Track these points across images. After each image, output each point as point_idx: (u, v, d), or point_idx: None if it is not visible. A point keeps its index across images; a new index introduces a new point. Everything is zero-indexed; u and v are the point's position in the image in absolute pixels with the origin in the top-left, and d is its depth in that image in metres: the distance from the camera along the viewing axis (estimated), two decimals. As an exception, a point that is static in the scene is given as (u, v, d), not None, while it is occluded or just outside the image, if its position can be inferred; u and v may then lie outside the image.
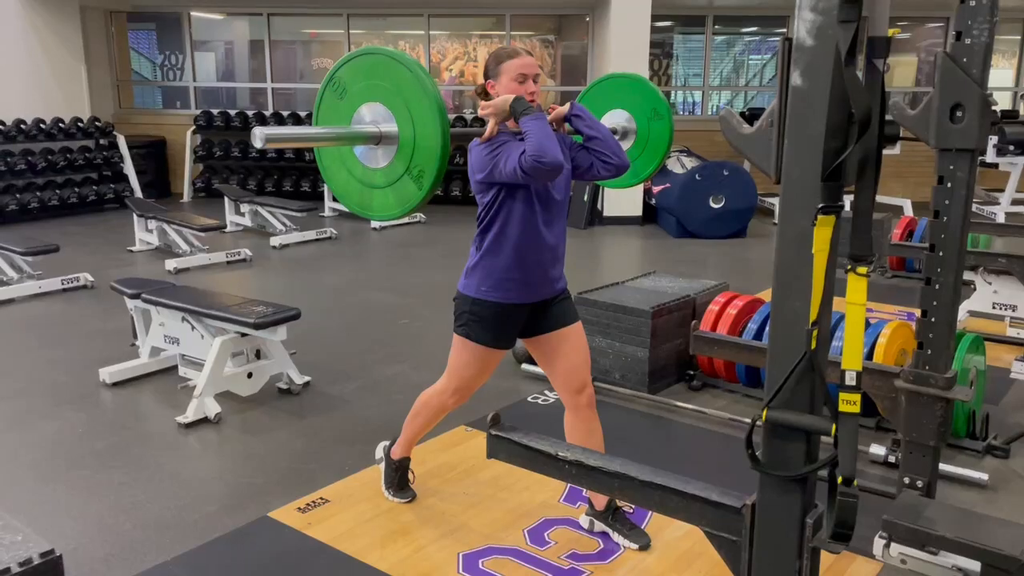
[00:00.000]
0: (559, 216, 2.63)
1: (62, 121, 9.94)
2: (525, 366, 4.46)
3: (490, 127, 2.43)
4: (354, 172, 2.22)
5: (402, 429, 3.00)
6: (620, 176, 2.66)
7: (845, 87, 1.52)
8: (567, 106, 2.61)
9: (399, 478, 3.07)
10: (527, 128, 2.33)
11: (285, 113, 11.00)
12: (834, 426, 1.63)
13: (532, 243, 2.56)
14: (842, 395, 1.61)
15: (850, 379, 1.60)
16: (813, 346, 1.63)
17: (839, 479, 1.63)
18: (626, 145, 3.06)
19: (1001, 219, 8.56)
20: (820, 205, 1.57)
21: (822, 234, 1.57)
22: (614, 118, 3.10)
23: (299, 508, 3.04)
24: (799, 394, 1.66)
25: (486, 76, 2.59)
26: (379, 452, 3.13)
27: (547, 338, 2.71)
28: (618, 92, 3.11)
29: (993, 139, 8.51)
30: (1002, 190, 9.13)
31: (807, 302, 1.62)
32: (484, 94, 2.60)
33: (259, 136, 1.97)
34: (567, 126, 2.64)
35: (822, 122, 1.55)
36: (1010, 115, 10.61)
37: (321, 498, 3.11)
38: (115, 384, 4.32)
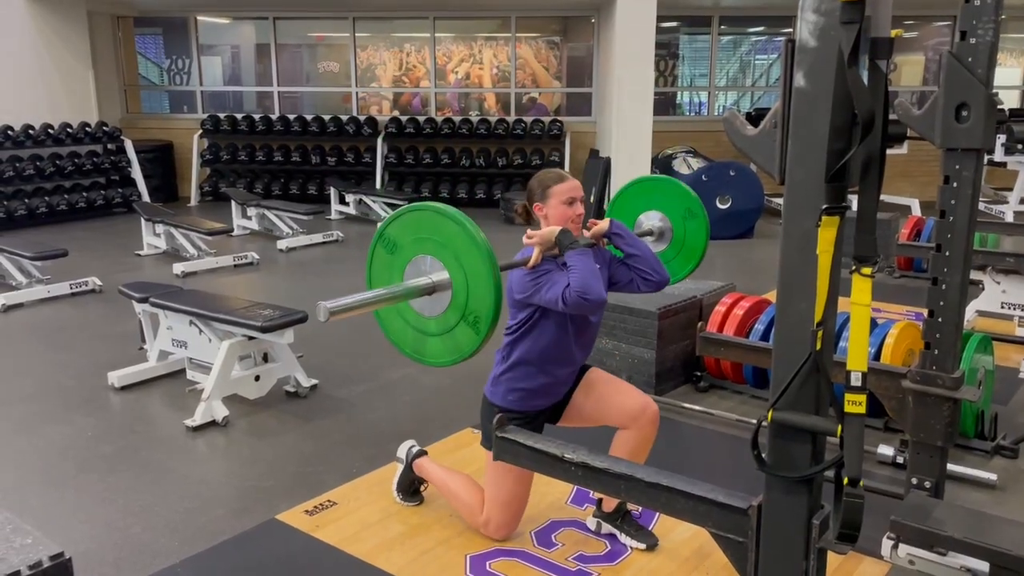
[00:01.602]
0: (591, 338, 2.70)
1: (70, 126, 9.99)
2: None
3: (535, 256, 2.46)
4: (408, 319, 2.29)
5: (443, 477, 2.96)
6: (661, 289, 2.71)
7: (848, 88, 1.52)
8: (606, 223, 2.66)
9: (412, 487, 3.09)
10: (572, 263, 2.39)
11: (292, 116, 11.03)
12: (840, 427, 1.63)
13: (560, 363, 2.63)
14: (848, 396, 1.61)
15: (856, 380, 1.60)
16: (818, 347, 1.63)
17: (845, 480, 1.63)
18: (662, 246, 3.10)
19: (1010, 218, 8.52)
20: (824, 206, 1.57)
21: (826, 235, 1.57)
22: (649, 219, 3.13)
23: (307, 511, 3.05)
24: (804, 395, 1.66)
25: (531, 199, 2.64)
26: (401, 452, 3.12)
27: (574, 403, 2.75)
28: (651, 194, 3.15)
29: (1001, 138, 8.48)
30: (1010, 189, 9.09)
31: (812, 303, 1.62)
32: (527, 215, 2.67)
33: (322, 311, 2.05)
34: (605, 241, 2.69)
35: (826, 123, 1.56)
36: (1018, 113, 10.56)
37: (329, 500, 3.12)
38: (123, 388, 4.34)
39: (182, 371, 4.40)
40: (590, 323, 2.65)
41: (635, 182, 3.23)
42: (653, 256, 2.67)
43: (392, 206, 9.16)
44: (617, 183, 8.46)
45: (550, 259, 2.51)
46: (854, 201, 1.59)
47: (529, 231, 2.53)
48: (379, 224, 2.33)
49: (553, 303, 2.42)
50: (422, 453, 3.07)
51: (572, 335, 2.59)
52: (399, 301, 2.22)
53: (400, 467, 3.10)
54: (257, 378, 4.06)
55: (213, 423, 3.85)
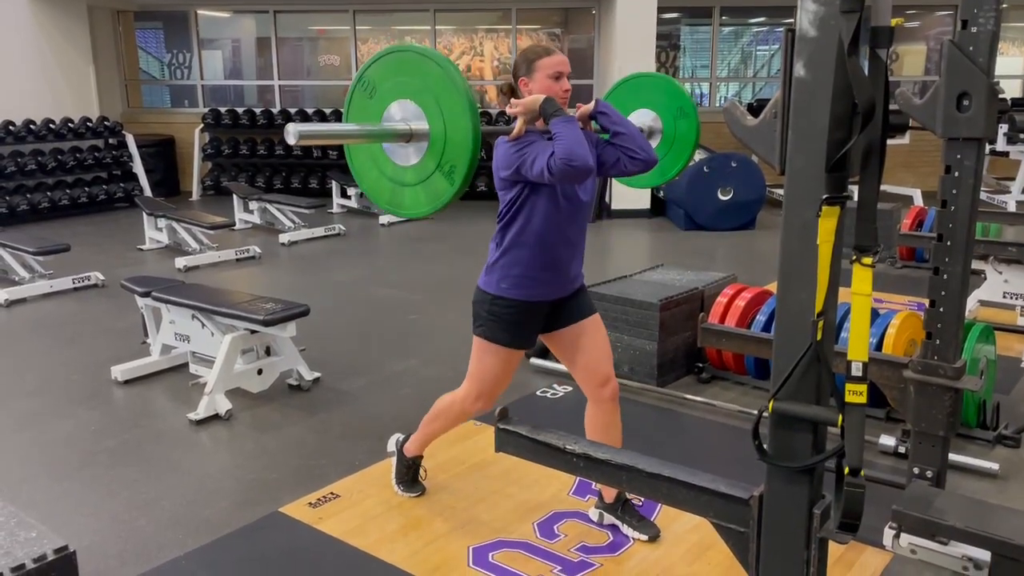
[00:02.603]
0: (583, 215, 2.61)
1: (71, 121, 9.99)
2: (534, 360, 4.47)
3: (519, 126, 2.40)
4: (384, 170, 2.22)
5: (418, 428, 3.00)
6: (647, 172, 2.63)
7: (848, 78, 1.52)
8: (592, 104, 2.58)
9: (411, 474, 3.09)
10: (557, 130, 2.30)
11: (292, 110, 11.03)
12: (841, 417, 1.63)
13: (554, 242, 2.55)
14: (848, 386, 1.61)
15: (856, 370, 1.60)
16: (819, 337, 1.63)
17: (846, 469, 1.64)
18: (653, 143, 3.02)
19: (1012, 208, 8.50)
20: (824, 196, 1.57)
21: (827, 225, 1.57)
22: (640, 117, 3.07)
23: (310, 503, 3.06)
24: (805, 385, 1.66)
25: (516, 74, 2.55)
26: (391, 445, 3.14)
27: (566, 332, 2.70)
28: (644, 91, 3.08)
29: (1003, 128, 8.45)
30: (1013, 179, 9.07)
31: (812, 293, 1.61)
32: (512, 91, 2.57)
33: (292, 133, 1.97)
34: (593, 124, 2.61)
35: (826, 113, 1.55)
36: (1020, 103, 10.53)
37: (332, 493, 3.13)
38: (127, 382, 4.35)
39: (185, 365, 4.41)
40: (581, 201, 2.56)
41: (628, 78, 3.14)
42: (640, 135, 2.57)
43: (394, 199, 9.15)
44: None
45: (536, 132, 2.43)
46: (855, 192, 1.59)
47: (512, 100, 2.45)
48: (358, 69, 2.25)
49: (539, 175, 2.33)
50: (409, 437, 3.09)
51: (564, 212, 2.51)
52: (375, 140, 2.15)
53: (394, 459, 3.11)
54: (260, 372, 4.07)
55: (216, 417, 3.86)
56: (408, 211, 2.23)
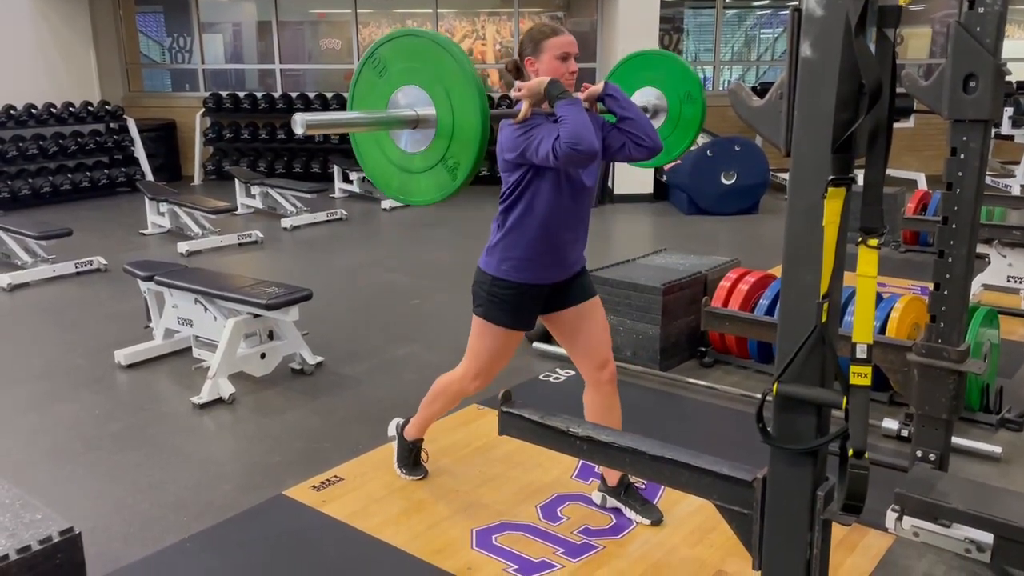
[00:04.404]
0: (586, 200, 2.60)
1: (72, 105, 9.96)
2: (537, 344, 4.47)
3: (524, 109, 2.37)
4: (390, 156, 2.17)
5: (418, 410, 3.01)
6: (652, 157, 2.62)
7: (855, 58, 1.50)
8: (600, 85, 2.55)
9: (412, 457, 3.10)
10: (562, 113, 2.28)
11: (294, 94, 10.98)
12: (845, 399, 1.63)
13: (556, 225, 2.53)
14: (853, 367, 1.60)
15: (861, 352, 1.60)
16: (824, 319, 1.62)
17: (850, 451, 1.64)
18: (657, 123, 2.97)
19: (1017, 192, 8.47)
20: (830, 177, 1.56)
21: (832, 206, 1.56)
22: (644, 96, 3.01)
23: (314, 486, 3.07)
24: (810, 367, 1.66)
25: (523, 53, 2.51)
26: (392, 430, 3.15)
27: (565, 314, 2.69)
28: (650, 69, 3.01)
29: (1009, 111, 8.40)
30: (1018, 163, 9.03)
31: (818, 275, 1.61)
32: (517, 71, 2.53)
33: (299, 122, 1.93)
34: (599, 105, 2.57)
35: (832, 93, 1.54)
36: (1026, 86, 10.47)
37: (335, 476, 3.14)
38: (130, 366, 4.36)
39: (188, 349, 4.42)
40: (585, 185, 2.54)
41: (637, 54, 3.08)
42: (647, 121, 2.55)
43: (396, 184, 9.13)
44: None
45: (541, 115, 2.40)
46: (861, 177, 1.57)
47: (517, 83, 2.42)
48: (369, 46, 2.18)
49: (544, 159, 2.31)
50: (408, 421, 3.09)
51: (567, 197, 2.50)
52: (381, 128, 2.11)
53: (395, 443, 3.12)
54: (263, 356, 4.07)
55: (220, 400, 3.87)
56: (418, 198, 2.19)
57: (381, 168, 2.23)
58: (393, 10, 11.88)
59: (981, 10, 2.44)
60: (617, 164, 8.60)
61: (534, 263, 2.56)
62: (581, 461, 3.11)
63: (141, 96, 11.97)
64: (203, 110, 10.98)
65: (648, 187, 9.32)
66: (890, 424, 3.42)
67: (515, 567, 2.56)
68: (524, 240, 2.53)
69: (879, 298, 3.74)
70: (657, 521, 2.78)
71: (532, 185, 2.48)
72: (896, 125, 1.63)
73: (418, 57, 2.07)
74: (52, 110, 9.72)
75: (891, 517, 2.66)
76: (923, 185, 9.12)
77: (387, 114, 2.10)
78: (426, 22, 11.53)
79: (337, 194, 9.82)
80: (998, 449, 3.22)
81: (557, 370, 4.22)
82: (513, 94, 2.42)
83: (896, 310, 3.64)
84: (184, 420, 3.73)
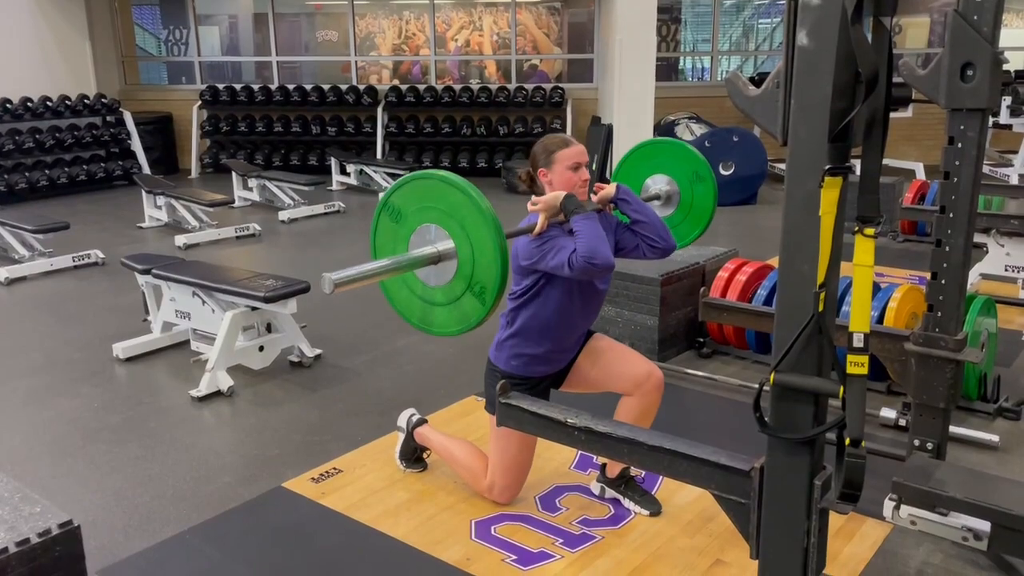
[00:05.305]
0: (597, 302, 2.67)
1: (68, 98, 9.93)
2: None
3: (541, 222, 2.43)
4: (415, 290, 2.26)
5: (442, 440, 3.00)
6: (667, 256, 2.68)
7: (852, 46, 1.50)
8: (613, 188, 2.61)
9: (415, 454, 3.11)
10: (579, 228, 2.36)
11: (291, 86, 10.95)
12: (842, 388, 1.63)
13: (565, 329, 2.61)
14: (850, 357, 1.61)
15: (858, 341, 1.60)
16: (821, 308, 1.63)
17: (847, 440, 1.64)
18: (670, 211, 3.04)
19: (1015, 181, 8.46)
20: (827, 166, 1.56)
21: (829, 196, 1.56)
22: (656, 183, 3.08)
23: (313, 478, 3.07)
24: (807, 357, 1.66)
25: (535, 165, 2.60)
26: (402, 421, 3.14)
27: (579, 368, 2.74)
28: (657, 157, 3.09)
29: (1007, 100, 8.39)
30: (1016, 152, 9.02)
31: (815, 265, 1.61)
32: (531, 181, 2.62)
33: (327, 282, 1.99)
34: (612, 206, 2.65)
35: (829, 82, 1.54)
36: (1024, 75, 10.45)
37: (334, 468, 3.14)
38: (128, 359, 4.36)
39: (186, 342, 4.42)
40: (597, 290, 2.62)
41: (641, 145, 3.16)
42: (660, 222, 2.63)
43: (393, 176, 9.12)
44: (619, 150, 8.42)
45: (556, 225, 2.48)
46: (858, 168, 1.57)
47: (534, 198, 2.50)
48: (382, 194, 2.29)
49: (559, 269, 2.39)
50: (422, 422, 3.09)
51: (578, 302, 2.58)
52: (405, 272, 2.20)
53: (401, 436, 3.12)
54: (261, 348, 4.07)
55: (218, 393, 3.87)
56: (438, 330, 2.27)
57: (406, 302, 2.32)
58: (390, 1, 11.84)
59: (978, -2, 2.44)
60: (613, 156, 8.59)
61: (541, 361, 2.65)
62: (579, 452, 3.12)
63: (137, 89, 11.93)
64: (200, 103, 10.95)
65: (646, 178, 9.29)
66: (888, 413, 3.42)
67: (514, 558, 2.57)
68: (533, 342, 2.61)
69: (877, 288, 3.74)
70: (656, 511, 2.79)
71: (544, 292, 2.55)
72: (894, 114, 1.63)
73: (428, 197, 2.16)
74: (48, 103, 9.69)
75: (888, 506, 2.67)
76: (921, 175, 9.11)
77: (410, 257, 2.17)
78: (423, 13, 11.49)
79: (334, 187, 9.81)
80: (995, 438, 3.23)
81: (555, 361, 4.22)
82: (530, 208, 2.49)
83: (894, 300, 3.64)
84: (183, 413, 3.73)
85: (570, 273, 2.37)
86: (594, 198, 2.60)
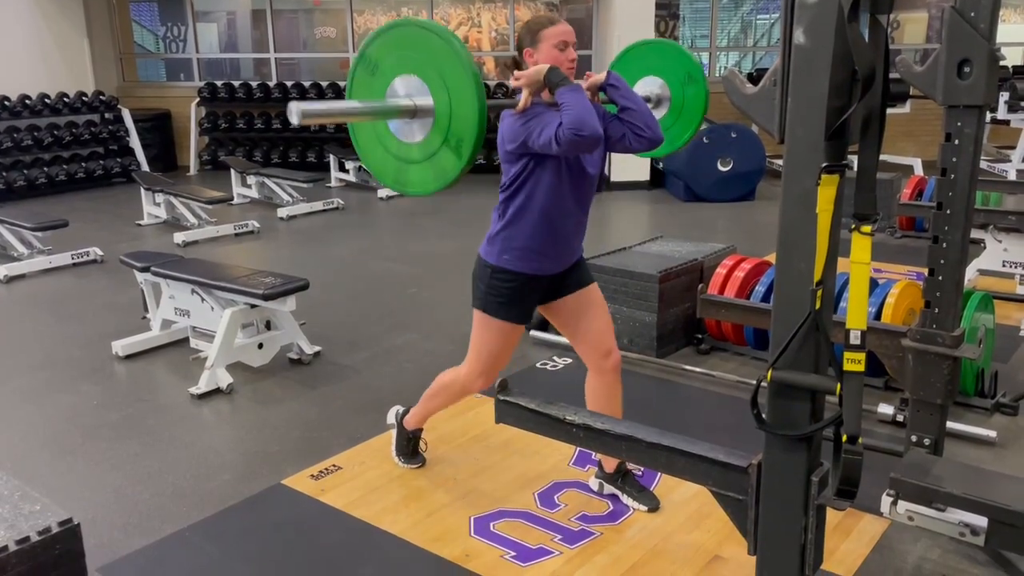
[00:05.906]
0: (588, 188, 2.58)
1: (67, 96, 9.92)
2: (534, 333, 4.47)
3: (524, 98, 2.35)
4: (390, 148, 2.18)
5: (419, 402, 3.01)
6: (652, 149, 2.61)
7: (848, 44, 1.51)
8: (603, 74, 2.53)
9: (411, 446, 3.11)
10: (564, 100, 2.26)
11: (289, 83, 10.93)
12: (839, 385, 1.64)
13: (558, 216, 2.52)
14: (847, 354, 1.62)
15: (855, 338, 1.61)
16: (818, 306, 1.63)
17: (844, 437, 1.65)
18: (661, 113, 2.98)
19: (1012, 177, 8.47)
20: (824, 164, 1.56)
21: (826, 193, 1.57)
22: (647, 85, 3.01)
23: (312, 475, 3.08)
24: (804, 354, 1.67)
25: (520, 46, 2.50)
26: (391, 417, 3.16)
27: (565, 302, 2.69)
28: (651, 58, 3.02)
29: (1004, 96, 8.39)
30: (1013, 147, 9.02)
31: (811, 262, 1.62)
32: (516, 66, 2.52)
33: (295, 112, 1.91)
34: (601, 95, 2.56)
35: (825, 80, 1.54)
36: (1022, 71, 10.44)
37: (334, 465, 3.15)
38: (128, 357, 4.36)
39: (185, 340, 4.42)
40: (587, 173, 2.53)
41: (635, 45, 3.09)
42: (648, 111, 2.53)
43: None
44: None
45: (542, 104, 2.39)
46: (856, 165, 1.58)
47: (516, 72, 2.41)
48: (359, 47, 2.20)
49: (547, 146, 2.29)
50: (408, 410, 3.10)
51: (568, 184, 2.49)
52: (379, 118, 2.11)
53: (394, 431, 3.13)
54: (260, 346, 4.07)
55: (218, 391, 3.87)
56: (415, 189, 2.19)
57: (381, 161, 2.23)
58: (388, -2, 11.83)
59: (975, -5, 2.44)
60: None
61: (535, 253, 2.55)
62: (578, 448, 3.13)
63: (136, 86, 11.91)
64: (198, 100, 10.93)
65: (645, 174, 9.31)
66: (885, 409, 3.43)
67: (513, 554, 2.58)
68: (526, 230, 2.52)
69: (874, 284, 3.75)
70: (654, 508, 2.80)
71: (534, 175, 2.46)
72: (892, 111, 1.64)
73: (407, 45, 2.08)
74: (46, 100, 9.68)
75: (886, 502, 2.67)
76: (919, 171, 9.11)
77: (384, 103, 2.09)
78: (421, 10, 11.47)
79: (333, 183, 9.80)
80: (993, 433, 3.24)
81: (554, 358, 4.23)
82: (512, 83, 2.40)
83: (891, 296, 3.65)
84: (182, 410, 3.74)
85: (558, 150, 2.27)
86: (583, 83, 2.47)
